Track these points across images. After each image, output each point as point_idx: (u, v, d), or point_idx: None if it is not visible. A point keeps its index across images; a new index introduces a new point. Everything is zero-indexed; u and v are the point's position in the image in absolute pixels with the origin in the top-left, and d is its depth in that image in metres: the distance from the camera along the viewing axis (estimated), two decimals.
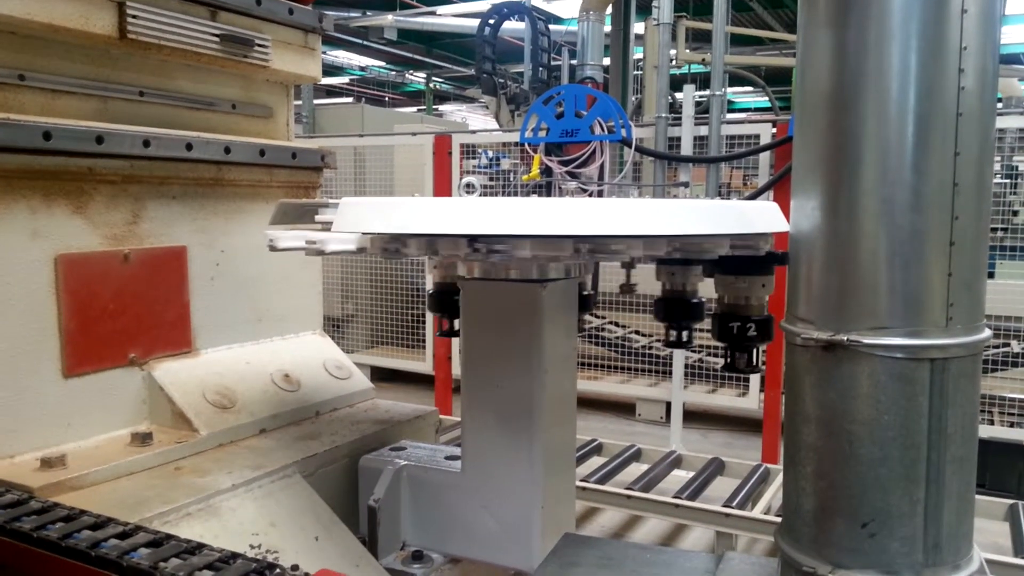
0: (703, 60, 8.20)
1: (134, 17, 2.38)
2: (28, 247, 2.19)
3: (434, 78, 21.36)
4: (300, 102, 9.65)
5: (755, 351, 2.06)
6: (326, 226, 1.88)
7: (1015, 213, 6.27)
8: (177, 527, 1.95)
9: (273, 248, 2.03)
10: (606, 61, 8.46)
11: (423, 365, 7.21)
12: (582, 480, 4.23)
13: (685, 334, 2.27)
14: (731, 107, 21.69)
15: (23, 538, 1.62)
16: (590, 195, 5.66)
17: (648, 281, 2.43)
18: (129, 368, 2.44)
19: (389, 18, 14.18)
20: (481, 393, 2.31)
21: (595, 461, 4.82)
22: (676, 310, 2.25)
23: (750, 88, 17.68)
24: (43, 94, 2.30)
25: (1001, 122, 5.06)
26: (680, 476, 4.60)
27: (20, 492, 1.90)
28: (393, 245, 1.82)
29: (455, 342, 6.26)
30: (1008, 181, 6.62)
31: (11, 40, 2.22)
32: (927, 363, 1.50)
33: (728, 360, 2.08)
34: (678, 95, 7.08)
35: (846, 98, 1.51)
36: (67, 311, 2.26)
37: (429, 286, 2.67)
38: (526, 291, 2.19)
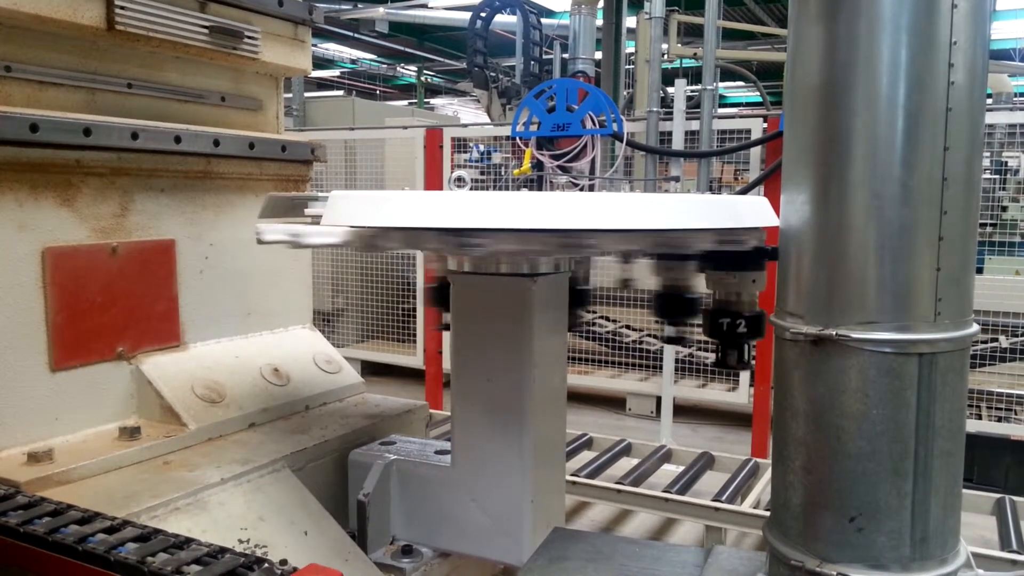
0: (695, 55, 8.20)
1: (122, 8, 2.36)
2: (15, 240, 2.17)
3: (425, 71, 21.30)
4: (290, 95, 9.59)
5: (746, 347, 2.02)
6: (315, 219, 1.87)
7: (1004, 208, 6.32)
8: (165, 522, 1.94)
9: (261, 241, 2.02)
10: (598, 55, 8.45)
11: (414, 359, 7.20)
12: (572, 474, 4.24)
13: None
14: (722, 102, 21.73)
15: (10, 533, 1.62)
16: (581, 189, 5.66)
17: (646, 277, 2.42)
18: (117, 362, 2.43)
19: (380, 11, 14.15)
20: (471, 387, 2.30)
21: (585, 455, 4.83)
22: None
23: (742, 83, 17.71)
24: (30, 86, 2.28)
25: (990, 118, 5.08)
26: (670, 470, 4.61)
27: (7, 487, 1.90)
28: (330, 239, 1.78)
29: (446, 336, 6.27)
30: (997, 177, 6.67)
31: None
32: (915, 357, 1.50)
33: (719, 356, 2.04)
34: (669, 89, 7.08)
35: (836, 93, 1.51)
36: (54, 305, 2.24)
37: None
38: (516, 285, 2.19)
